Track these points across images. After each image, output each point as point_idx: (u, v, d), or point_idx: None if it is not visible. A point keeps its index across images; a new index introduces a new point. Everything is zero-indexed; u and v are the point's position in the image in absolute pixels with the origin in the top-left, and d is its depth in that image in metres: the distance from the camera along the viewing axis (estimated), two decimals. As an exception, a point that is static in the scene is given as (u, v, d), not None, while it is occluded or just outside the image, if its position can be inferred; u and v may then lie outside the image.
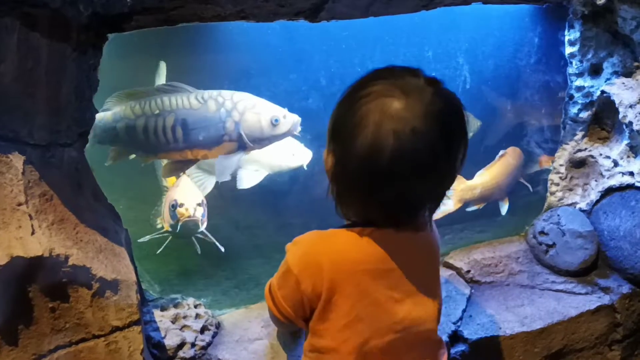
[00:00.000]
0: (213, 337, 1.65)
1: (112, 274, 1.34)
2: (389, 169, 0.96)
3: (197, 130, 1.80)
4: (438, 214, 1.63)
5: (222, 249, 1.97)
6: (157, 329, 1.57)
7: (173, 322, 1.61)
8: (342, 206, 1.10)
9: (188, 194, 1.98)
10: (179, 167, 1.90)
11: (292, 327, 1.27)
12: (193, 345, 1.58)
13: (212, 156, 1.86)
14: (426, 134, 0.95)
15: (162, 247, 1.95)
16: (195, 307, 1.68)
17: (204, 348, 1.61)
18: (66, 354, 1.29)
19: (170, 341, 1.56)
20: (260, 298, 1.85)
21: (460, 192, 2.26)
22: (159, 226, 2.06)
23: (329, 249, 1.07)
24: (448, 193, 1.07)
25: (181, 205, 1.92)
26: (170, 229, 1.96)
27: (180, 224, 1.90)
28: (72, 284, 1.29)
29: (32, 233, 1.23)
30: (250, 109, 1.84)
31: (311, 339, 1.11)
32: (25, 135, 1.28)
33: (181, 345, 1.57)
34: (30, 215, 1.24)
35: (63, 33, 1.30)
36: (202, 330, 1.63)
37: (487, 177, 2.35)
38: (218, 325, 1.70)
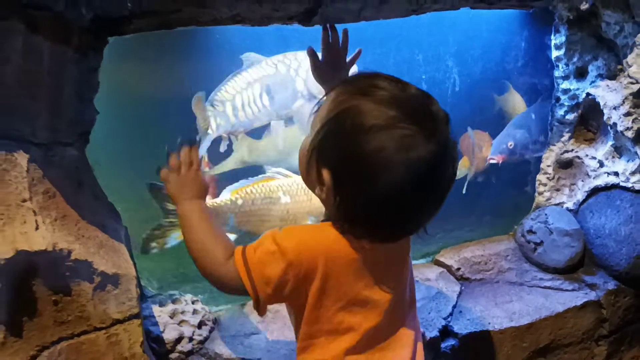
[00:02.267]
0: (210, 332, 1.70)
1: (112, 269, 1.39)
2: (418, 200, 1.01)
3: (278, 93, 1.92)
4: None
5: None
6: (155, 324, 1.62)
7: (171, 317, 1.65)
8: (344, 221, 1.08)
9: None
10: None
11: (237, 294, 1.17)
12: (191, 339, 1.63)
13: (293, 114, 1.99)
14: (447, 169, 1.01)
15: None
16: (193, 303, 1.73)
17: (202, 342, 1.65)
18: (68, 345, 1.33)
19: (169, 335, 1.61)
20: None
21: None
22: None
23: (325, 239, 1.09)
24: None
25: None
26: None
27: None
28: (74, 278, 1.33)
29: (36, 228, 1.27)
30: None
31: (305, 327, 1.15)
32: (29, 134, 1.33)
33: (179, 340, 1.61)
34: (34, 211, 1.28)
35: (64, 36, 1.35)
36: (200, 325, 1.67)
37: None
38: (215, 321, 1.74)
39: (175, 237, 1.90)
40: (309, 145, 1.08)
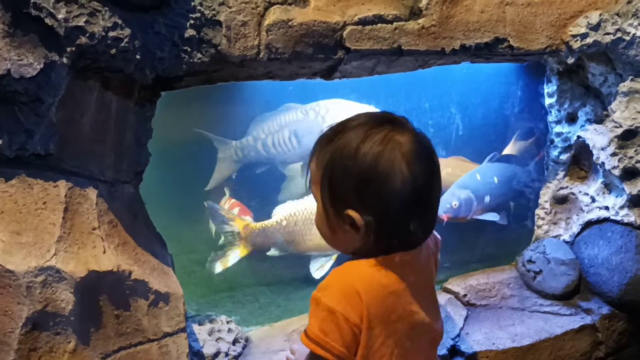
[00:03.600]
0: (243, 348, 1.91)
1: (164, 288, 1.62)
2: (429, 187, 1.14)
3: (305, 137, 2.22)
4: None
5: None
6: (196, 340, 1.83)
7: (209, 335, 1.86)
8: (367, 246, 1.16)
9: None
10: None
11: None
12: (227, 354, 1.84)
13: None
14: (429, 149, 1.18)
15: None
16: (227, 323, 1.94)
17: (236, 358, 1.86)
18: (126, 354, 1.55)
19: (208, 350, 1.82)
20: (280, 317, 2.12)
21: None
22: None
23: (360, 279, 1.14)
24: None
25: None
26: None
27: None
28: (133, 296, 1.56)
29: (104, 252, 1.51)
30: (339, 112, 2.24)
31: None
32: (98, 173, 1.58)
33: (217, 354, 1.82)
34: (102, 238, 1.53)
35: (128, 92, 1.61)
36: (234, 342, 1.88)
37: None
38: (247, 339, 1.95)
39: (235, 256, 2.12)
40: (322, 208, 1.18)
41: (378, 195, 1.11)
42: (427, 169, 1.15)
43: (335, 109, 2.28)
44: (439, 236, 1.38)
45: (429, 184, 1.15)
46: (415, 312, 1.20)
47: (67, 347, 1.43)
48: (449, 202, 2.41)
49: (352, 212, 1.13)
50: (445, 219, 2.35)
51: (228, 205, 2.64)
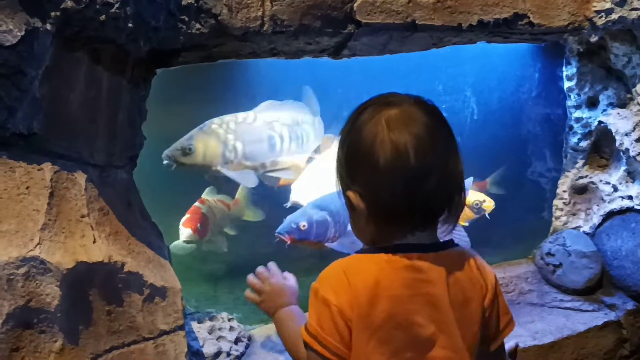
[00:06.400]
0: (246, 347, 1.78)
1: (160, 282, 1.48)
2: (417, 160, 1.02)
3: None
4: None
5: None
6: (195, 339, 1.70)
7: (209, 333, 1.73)
8: (373, 234, 1.10)
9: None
10: None
11: None
12: (228, 354, 1.71)
13: None
14: (430, 123, 1.05)
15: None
16: (229, 320, 1.81)
17: (238, 358, 1.73)
18: (119, 354, 1.42)
19: (208, 350, 1.69)
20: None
21: None
22: None
23: (360, 276, 1.06)
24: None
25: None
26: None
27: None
28: (126, 290, 1.43)
29: (94, 242, 1.38)
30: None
31: None
32: (87, 156, 1.45)
33: (218, 354, 1.69)
34: (91, 226, 1.39)
35: (121, 67, 1.48)
36: (236, 341, 1.76)
37: None
38: (250, 338, 1.83)
39: None
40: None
41: (363, 169, 1.06)
42: (417, 139, 1.03)
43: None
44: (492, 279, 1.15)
45: (420, 154, 1.02)
46: (420, 325, 1.07)
47: (53, 347, 1.29)
48: (295, 222, 2.09)
49: (350, 193, 1.08)
50: (289, 241, 2.04)
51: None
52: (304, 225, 2.08)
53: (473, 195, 2.36)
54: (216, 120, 2.21)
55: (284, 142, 2.28)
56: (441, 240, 1.12)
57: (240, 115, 2.25)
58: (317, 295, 1.07)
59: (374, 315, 1.05)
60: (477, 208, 2.31)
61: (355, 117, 1.09)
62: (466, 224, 2.29)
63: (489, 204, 2.36)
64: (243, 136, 2.22)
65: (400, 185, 1.03)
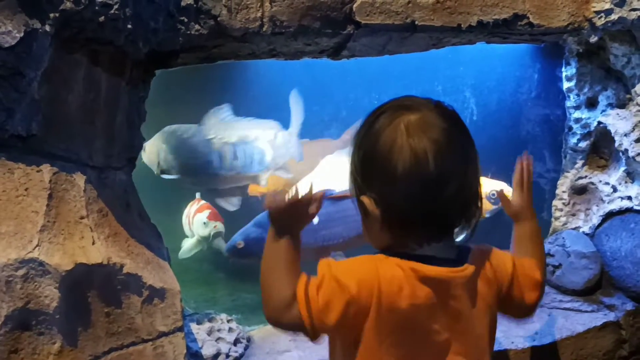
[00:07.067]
0: (245, 349, 1.77)
1: (159, 283, 1.48)
2: (436, 167, 0.99)
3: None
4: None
5: None
6: (194, 340, 1.70)
7: (208, 335, 1.73)
8: (387, 240, 1.08)
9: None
10: None
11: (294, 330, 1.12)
12: (227, 355, 1.71)
13: None
14: (449, 129, 1.02)
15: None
16: (228, 322, 1.81)
17: (237, 359, 1.73)
18: (118, 356, 1.42)
19: (207, 351, 1.68)
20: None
21: None
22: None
23: (383, 276, 1.04)
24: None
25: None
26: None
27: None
28: (125, 291, 1.42)
29: (93, 243, 1.38)
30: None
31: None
32: (86, 157, 1.45)
33: (217, 355, 1.69)
34: (90, 228, 1.39)
35: (119, 68, 1.48)
36: (235, 342, 1.75)
37: None
38: (249, 339, 1.82)
39: None
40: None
41: (379, 174, 1.04)
42: (437, 145, 1.00)
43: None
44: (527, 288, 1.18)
45: (439, 161, 1.00)
46: (437, 332, 1.07)
47: (51, 349, 1.29)
48: (234, 241, 2.09)
49: (364, 198, 1.05)
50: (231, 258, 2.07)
51: (197, 206, 2.58)
52: (240, 244, 2.07)
53: (488, 185, 2.28)
54: (166, 128, 2.26)
55: (223, 160, 2.27)
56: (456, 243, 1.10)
57: (184, 127, 2.29)
58: (332, 274, 1.03)
59: (393, 319, 1.04)
60: (495, 198, 2.25)
61: (372, 121, 1.06)
62: (487, 216, 2.27)
63: (507, 192, 2.30)
64: (178, 149, 2.24)
65: (418, 192, 1.01)
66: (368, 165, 1.05)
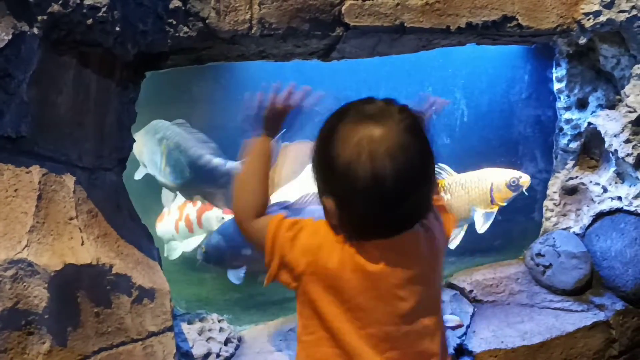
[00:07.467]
0: (236, 349, 1.78)
1: (149, 283, 1.49)
2: (396, 188, 1.03)
3: None
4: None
5: None
6: (185, 340, 1.70)
7: (199, 334, 1.74)
8: (344, 232, 1.12)
9: None
10: None
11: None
12: (218, 355, 1.72)
13: None
14: (411, 145, 1.04)
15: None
16: (219, 322, 1.82)
17: (228, 359, 1.74)
18: (108, 356, 1.42)
19: (197, 351, 1.69)
20: (276, 315, 1.99)
21: None
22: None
23: (340, 247, 1.11)
24: None
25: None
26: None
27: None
28: (115, 292, 1.43)
29: (82, 244, 1.38)
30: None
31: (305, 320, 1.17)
32: (76, 159, 1.45)
33: (207, 355, 1.70)
34: (80, 229, 1.40)
35: (109, 70, 1.49)
36: (226, 342, 1.76)
37: None
38: (240, 339, 1.83)
39: None
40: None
41: (339, 184, 1.07)
42: (397, 166, 1.03)
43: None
44: (444, 217, 1.26)
45: (399, 182, 1.04)
46: (401, 299, 1.13)
47: (41, 349, 1.30)
48: (201, 245, 2.17)
49: (325, 199, 1.11)
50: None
51: (197, 206, 2.51)
52: (202, 249, 2.16)
53: (507, 173, 2.30)
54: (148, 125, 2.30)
55: (160, 164, 2.23)
56: None
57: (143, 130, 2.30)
58: (294, 232, 1.13)
59: (345, 285, 1.10)
60: (515, 185, 2.26)
61: (333, 125, 1.08)
62: (504, 204, 2.28)
63: (525, 179, 2.30)
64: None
65: (376, 207, 1.06)
66: (329, 172, 1.08)
